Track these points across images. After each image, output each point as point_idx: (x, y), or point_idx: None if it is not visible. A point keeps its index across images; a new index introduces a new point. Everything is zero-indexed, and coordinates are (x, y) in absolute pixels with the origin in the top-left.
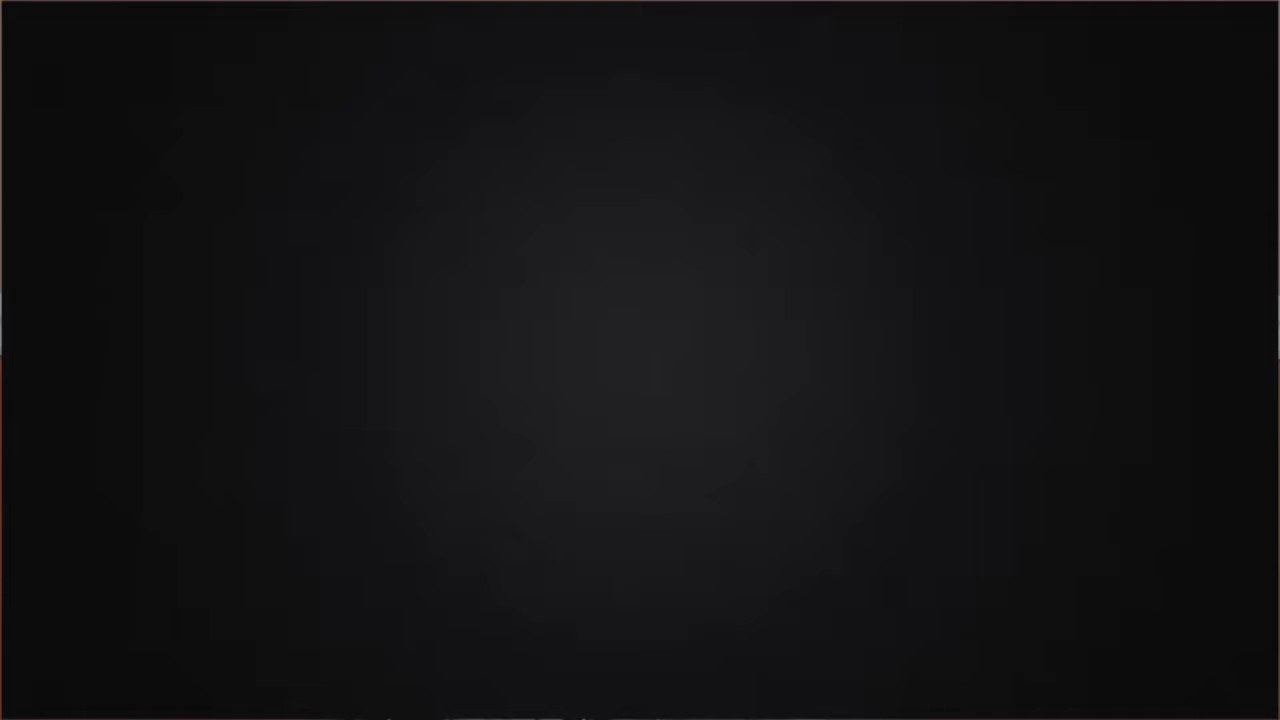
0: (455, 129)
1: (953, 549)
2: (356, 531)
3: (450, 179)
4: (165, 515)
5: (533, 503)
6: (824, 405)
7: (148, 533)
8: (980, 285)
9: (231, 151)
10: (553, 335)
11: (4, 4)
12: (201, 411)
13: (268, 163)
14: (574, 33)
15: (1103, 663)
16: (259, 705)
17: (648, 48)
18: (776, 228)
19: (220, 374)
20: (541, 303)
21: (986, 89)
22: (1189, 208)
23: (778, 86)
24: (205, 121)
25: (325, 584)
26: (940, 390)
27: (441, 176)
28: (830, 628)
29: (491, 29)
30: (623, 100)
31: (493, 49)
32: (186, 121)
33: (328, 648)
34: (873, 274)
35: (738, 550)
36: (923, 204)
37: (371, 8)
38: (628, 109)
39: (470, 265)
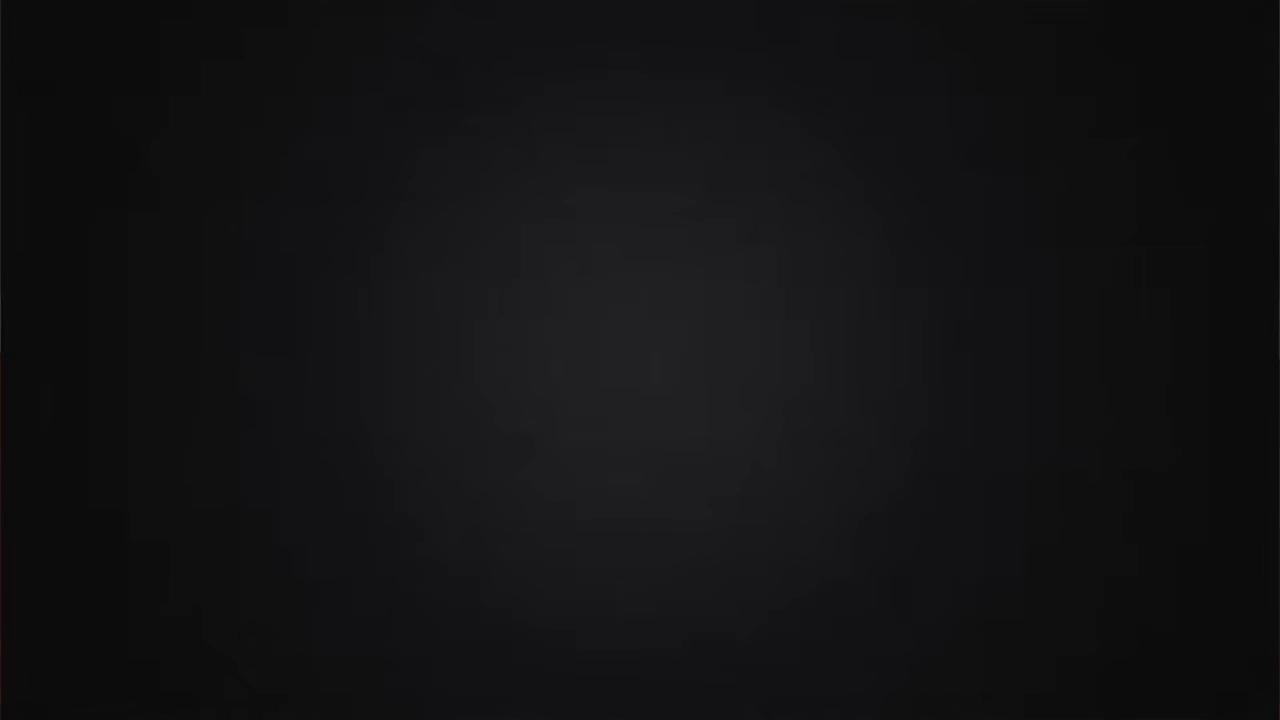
0: (450, 121)
1: (962, 555)
2: (350, 535)
3: (445, 173)
4: (154, 519)
5: (531, 506)
6: (829, 407)
7: (137, 536)
8: (991, 284)
9: (220, 145)
10: (550, 333)
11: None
12: (190, 413)
13: (257, 156)
14: (573, 24)
15: (1113, 669)
16: (254, 713)
17: (649, 41)
18: (781, 224)
19: (209, 374)
20: (539, 300)
21: (997, 83)
22: (1205, 204)
23: (782, 79)
24: (192, 114)
25: (318, 589)
26: (949, 392)
27: (435, 170)
28: (836, 636)
29: (488, 18)
30: (623, 93)
31: (490, 39)
32: (173, 114)
33: (321, 655)
34: (879, 272)
35: (741, 556)
36: (931, 201)
37: None
38: (628, 102)
39: (465, 261)
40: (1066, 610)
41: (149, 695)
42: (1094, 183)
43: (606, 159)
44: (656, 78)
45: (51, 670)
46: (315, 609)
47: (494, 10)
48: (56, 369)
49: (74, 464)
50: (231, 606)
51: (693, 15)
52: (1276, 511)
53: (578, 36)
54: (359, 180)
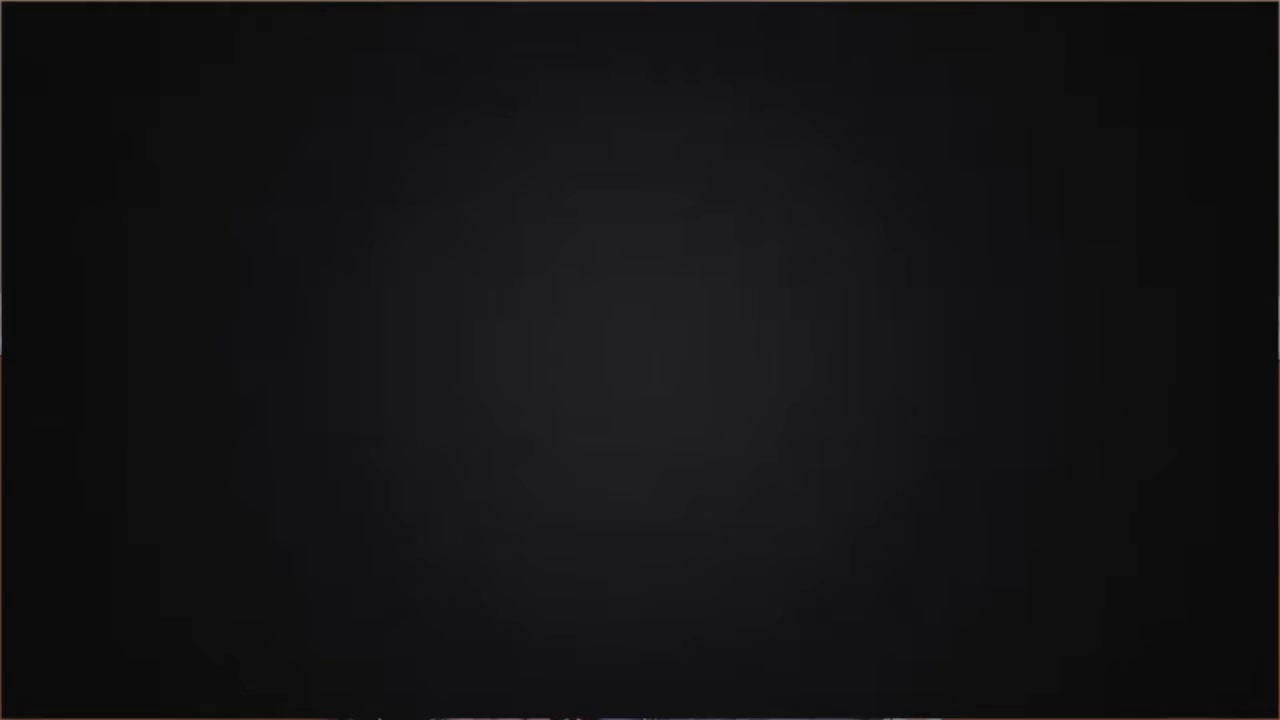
0: (450, 121)
1: (964, 556)
2: (347, 538)
3: (445, 173)
4: (152, 520)
5: (531, 508)
6: (830, 408)
7: (134, 538)
8: (993, 284)
9: (219, 143)
10: (550, 334)
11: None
12: (187, 415)
13: (256, 156)
14: (574, 22)
15: (1117, 670)
16: (248, 717)
17: (650, 38)
18: (783, 223)
19: (208, 374)
20: (539, 301)
21: (998, 82)
22: (1209, 203)
23: (784, 78)
24: (191, 112)
25: (315, 591)
26: (950, 392)
27: (435, 170)
28: (836, 637)
29: (487, 17)
30: (624, 91)
31: (488, 38)
32: (172, 112)
33: (318, 657)
34: (880, 272)
35: (741, 557)
36: (932, 200)
37: None
38: (629, 100)
39: (465, 262)
40: (1069, 610)
41: (147, 699)
42: (1096, 181)
43: (607, 158)
44: (657, 77)
45: (48, 674)
46: (314, 610)
47: (494, 10)
48: (54, 369)
49: (71, 465)
50: (230, 609)
51: (693, 14)
52: (1278, 511)
53: (578, 36)
54: (359, 180)
